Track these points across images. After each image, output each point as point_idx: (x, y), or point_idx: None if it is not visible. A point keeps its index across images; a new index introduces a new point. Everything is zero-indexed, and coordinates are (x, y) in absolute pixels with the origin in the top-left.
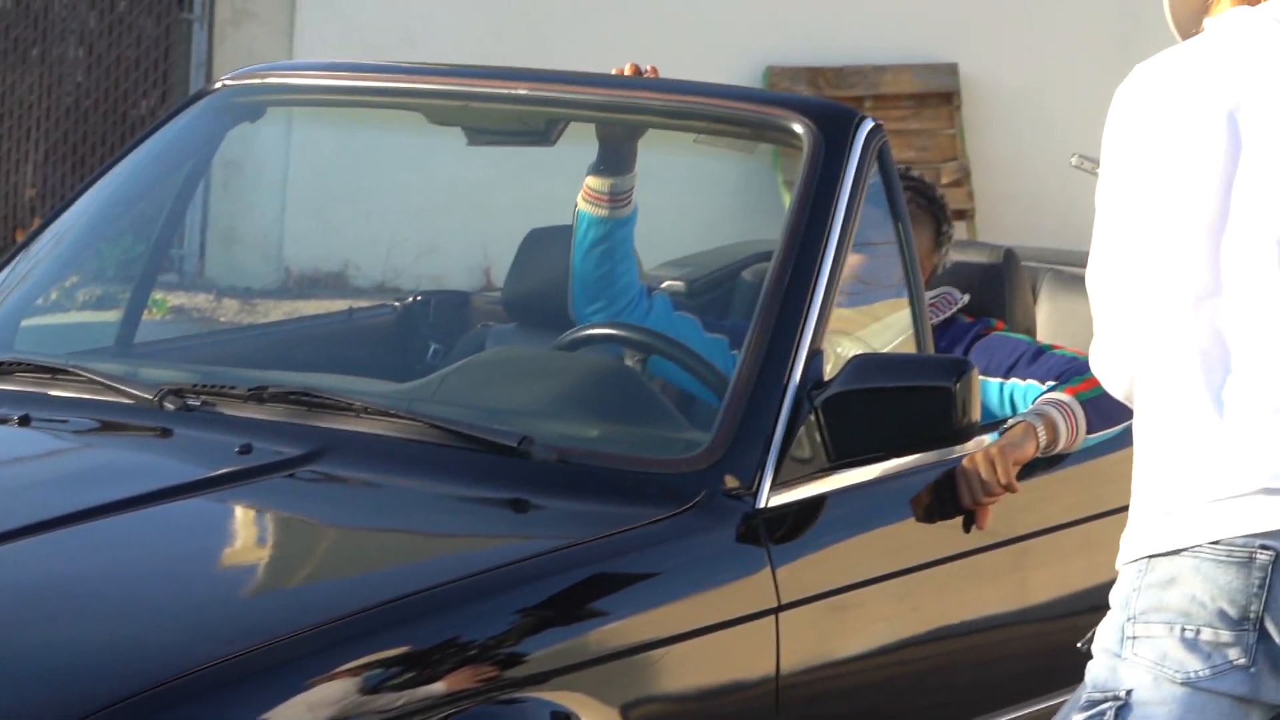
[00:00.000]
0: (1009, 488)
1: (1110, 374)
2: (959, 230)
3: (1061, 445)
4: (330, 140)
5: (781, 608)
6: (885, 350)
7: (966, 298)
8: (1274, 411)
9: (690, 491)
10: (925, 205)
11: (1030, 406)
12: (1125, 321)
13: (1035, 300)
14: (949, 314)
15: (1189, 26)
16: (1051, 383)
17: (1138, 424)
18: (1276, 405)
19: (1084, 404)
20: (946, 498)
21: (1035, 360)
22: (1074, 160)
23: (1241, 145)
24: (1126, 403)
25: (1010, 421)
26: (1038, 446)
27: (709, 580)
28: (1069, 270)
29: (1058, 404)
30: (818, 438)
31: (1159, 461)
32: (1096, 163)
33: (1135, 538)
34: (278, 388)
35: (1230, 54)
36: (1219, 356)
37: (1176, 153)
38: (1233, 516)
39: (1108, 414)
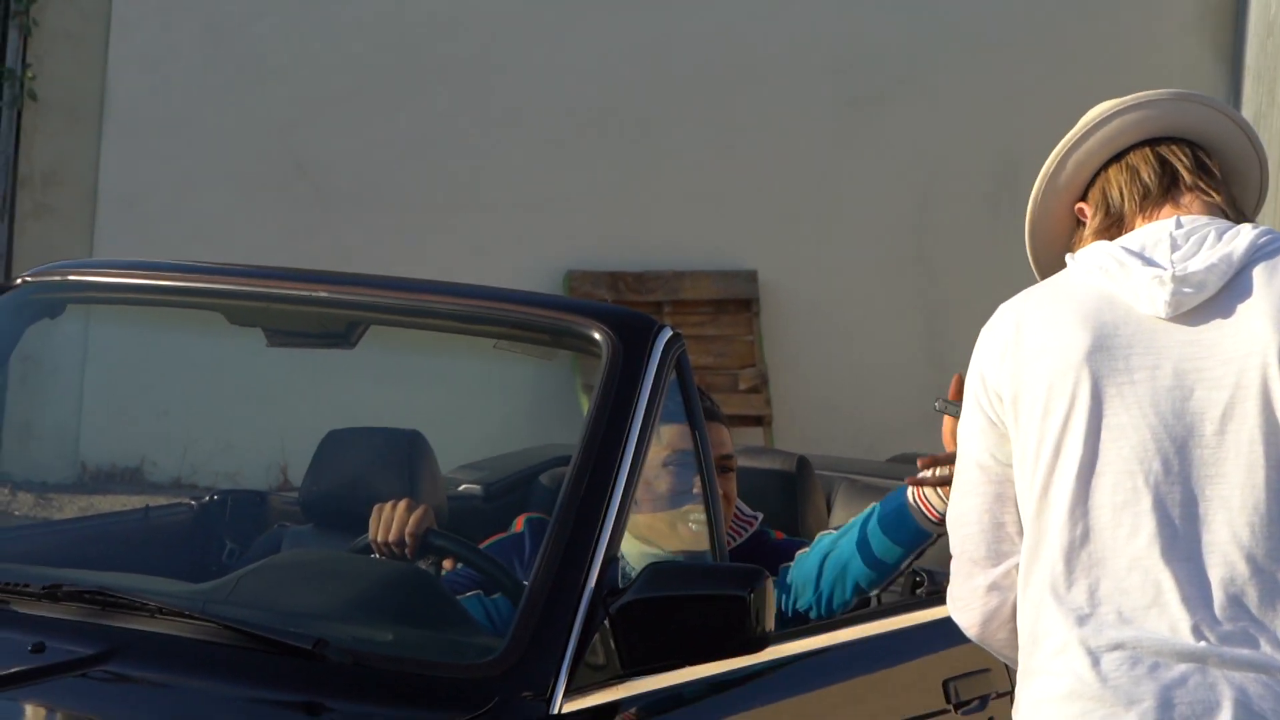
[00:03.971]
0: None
1: (963, 614)
2: (756, 437)
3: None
4: (129, 337)
5: None
6: (680, 558)
7: (760, 516)
8: (1147, 673)
9: (484, 697)
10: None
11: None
12: (979, 564)
13: (830, 509)
14: (744, 537)
15: (1052, 272)
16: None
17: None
18: (1151, 665)
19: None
20: (737, 706)
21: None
22: (937, 405)
23: (1103, 391)
24: (979, 644)
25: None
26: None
27: None
28: (863, 480)
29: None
30: (612, 645)
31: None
32: (957, 405)
33: None
34: (72, 586)
35: (1087, 294)
36: (1089, 613)
37: (1037, 400)
38: None
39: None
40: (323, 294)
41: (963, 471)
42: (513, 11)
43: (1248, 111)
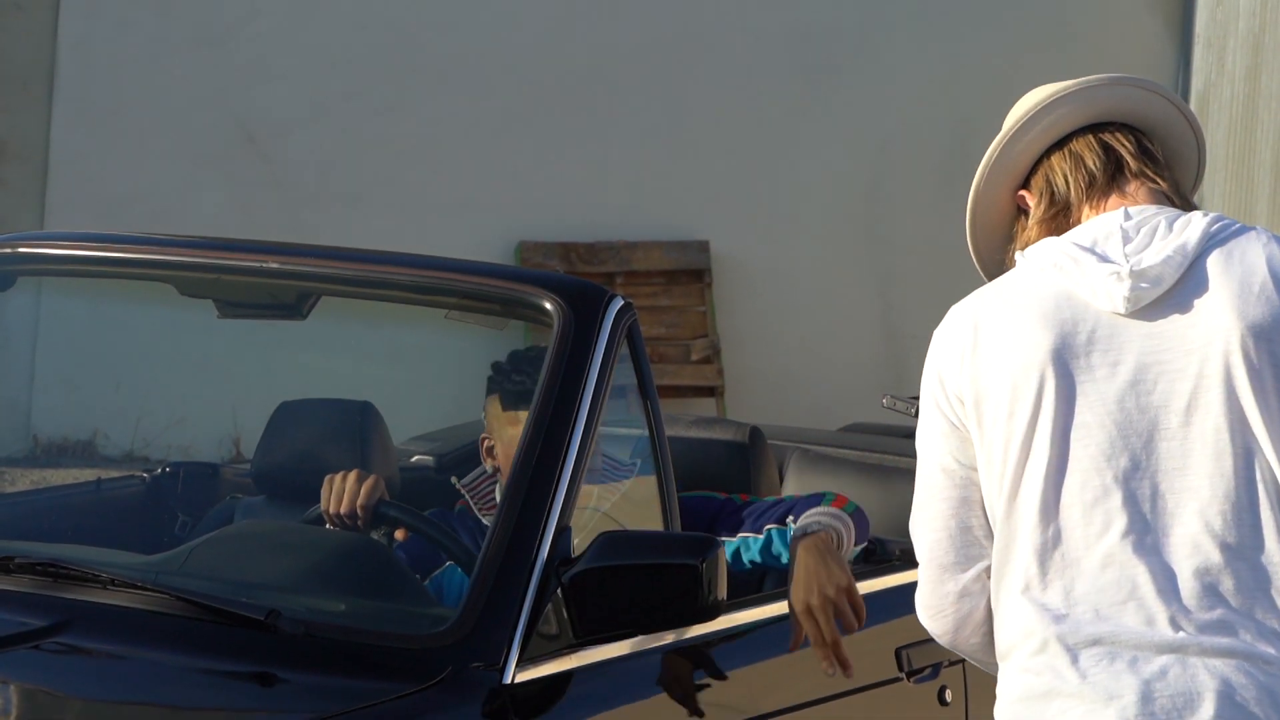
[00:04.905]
0: (855, 607)
1: (935, 621)
2: (709, 407)
3: (844, 549)
4: (81, 309)
5: None
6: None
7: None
8: (1127, 667)
9: (437, 667)
10: None
11: (802, 520)
12: (948, 570)
13: (781, 479)
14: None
15: (992, 261)
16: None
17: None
18: (1130, 660)
19: (849, 514)
20: (689, 675)
21: (785, 506)
22: (885, 401)
23: (1067, 389)
24: (952, 650)
25: (799, 530)
26: (840, 545)
27: None
28: (815, 449)
29: (829, 514)
30: (565, 614)
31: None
32: (907, 402)
33: None
34: (24, 558)
35: (1044, 293)
36: (1065, 613)
37: (1001, 401)
38: None
39: (866, 526)
40: (273, 265)
41: (925, 476)
42: None
43: (1198, 80)
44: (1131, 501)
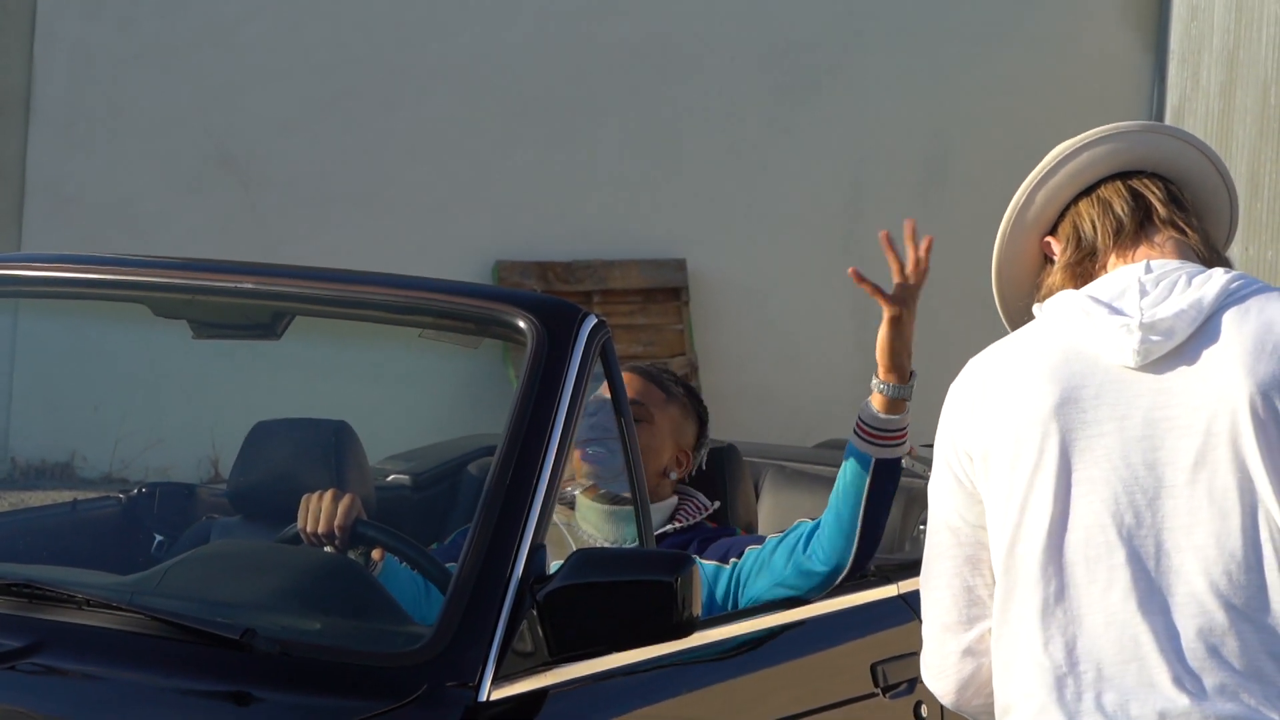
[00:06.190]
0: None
1: (937, 681)
2: None
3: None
4: (58, 331)
5: None
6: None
7: (716, 505)
8: None
9: (412, 685)
10: (694, 406)
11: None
12: (951, 630)
13: (758, 496)
14: (698, 520)
15: (1017, 311)
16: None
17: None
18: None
19: None
20: (664, 692)
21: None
22: (904, 461)
23: (1071, 444)
24: (956, 711)
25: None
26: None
27: None
28: (791, 466)
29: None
30: (540, 631)
31: None
32: (925, 463)
33: None
34: None
35: (1053, 347)
36: (1066, 672)
37: (1004, 456)
38: None
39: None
40: (247, 285)
41: (933, 534)
42: (436, 0)
43: (1173, 96)
44: (1136, 559)
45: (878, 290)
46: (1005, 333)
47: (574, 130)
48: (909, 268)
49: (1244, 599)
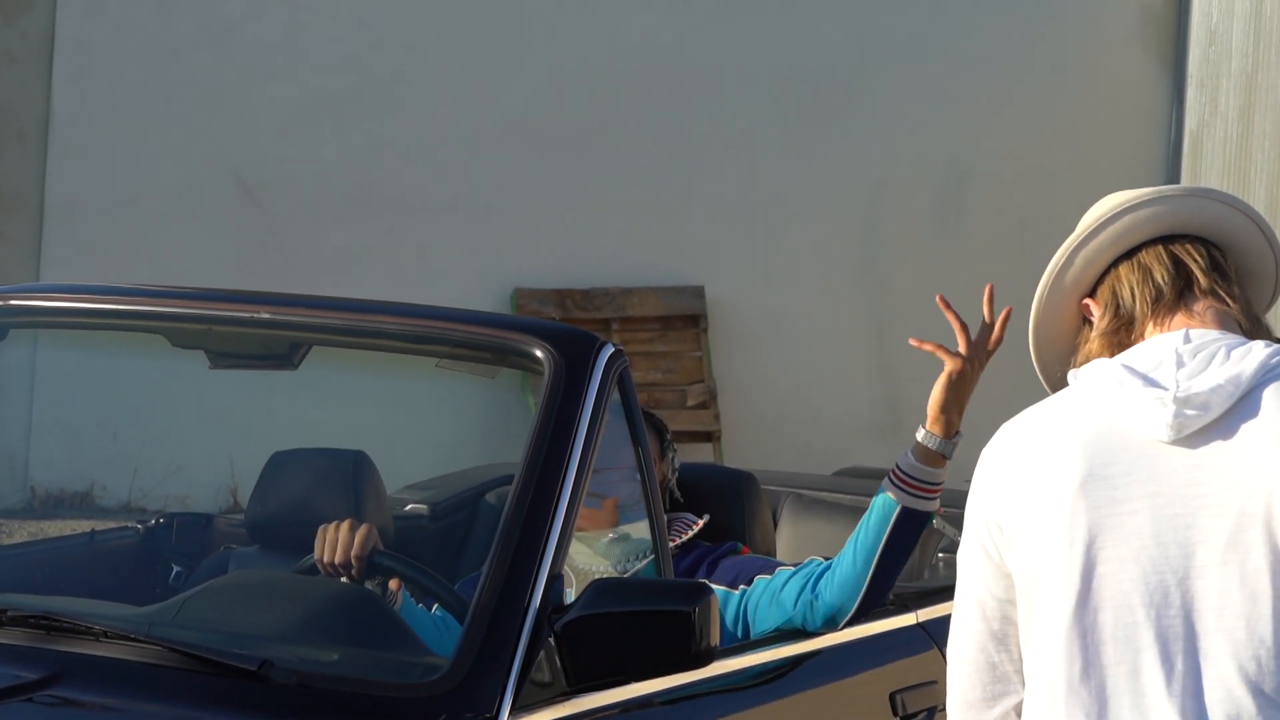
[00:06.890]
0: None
1: None
2: (705, 453)
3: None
4: (77, 360)
5: None
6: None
7: (705, 519)
8: None
9: (430, 716)
10: (650, 420)
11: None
12: (973, 707)
13: (776, 524)
14: (687, 536)
15: (1056, 372)
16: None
17: None
18: None
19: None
20: None
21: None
22: (935, 522)
23: (1099, 522)
24: None
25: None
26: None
27: None
28: (809, 494)
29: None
30: (558, 662)
31: None
32: (956, 529)
33: None
34: (17, 611)
35: (1085, 420)
36: None
37: (1031, 532)
38: None
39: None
40: (265, 315)
41: (959, 604)
42: (459, 27)
43: (1191, 120)
44: (1163, 640)
45: (940, 347)
46: (1024, 365)
47: (593, 158)
48: (993, 336)
49: (1273, 685)
